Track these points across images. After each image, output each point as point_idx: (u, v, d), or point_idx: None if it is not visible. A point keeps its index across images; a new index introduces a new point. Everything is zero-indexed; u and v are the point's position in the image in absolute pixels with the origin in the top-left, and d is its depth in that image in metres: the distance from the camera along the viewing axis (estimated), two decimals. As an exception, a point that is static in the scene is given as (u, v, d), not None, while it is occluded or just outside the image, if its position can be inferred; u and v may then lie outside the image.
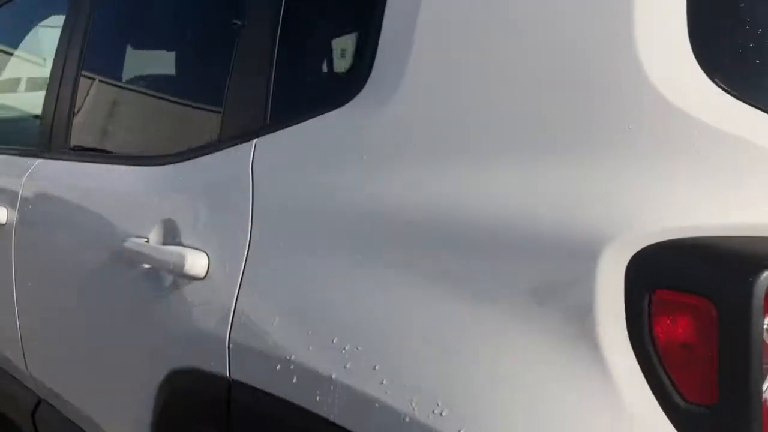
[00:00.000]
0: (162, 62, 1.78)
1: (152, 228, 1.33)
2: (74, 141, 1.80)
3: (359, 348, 0.93)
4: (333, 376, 0.94)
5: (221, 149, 1.25)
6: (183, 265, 1.18)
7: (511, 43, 0.91)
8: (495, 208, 0.85)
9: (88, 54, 1.79)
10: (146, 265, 1.32)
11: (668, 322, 0.72)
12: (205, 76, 1.49)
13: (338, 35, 1.33)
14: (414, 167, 0.97)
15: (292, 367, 1.00)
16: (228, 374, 1.12)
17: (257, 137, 1.18)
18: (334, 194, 1.06)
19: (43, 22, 2.47)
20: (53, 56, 1.95)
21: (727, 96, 0.76)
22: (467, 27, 0.96)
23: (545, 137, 0.85)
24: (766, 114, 0.74)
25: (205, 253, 1.19)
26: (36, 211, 1.83)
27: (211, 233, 1.21)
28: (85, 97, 1.81)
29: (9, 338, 1.96)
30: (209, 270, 1.18)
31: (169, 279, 1.26)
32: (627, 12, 0.80)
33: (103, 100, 1.90)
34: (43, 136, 1.88)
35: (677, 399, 0.71)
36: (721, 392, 0.69)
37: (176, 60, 1.72)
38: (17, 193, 1.87)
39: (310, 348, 0.98)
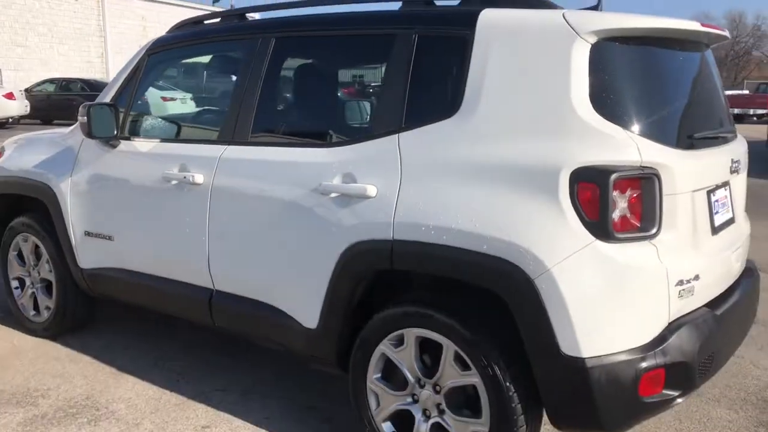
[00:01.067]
0: (327, 87, 3.11)
1: (335, 176, 2.66)
2: (254, 133, 3.05)
3: (465, 214, 2.32)
4: (452, 227, 2.33)
5: (378, 138, 2.62)
6: (365, 192, 2.55)
7: (528, 98, 2.33)
8: (517, 158, 2.28)
9: (267, 78, 3.03)
10: (335, 194, 2.65)
11: (583, 192, 2.17)
12: (364, 99, 2.88)
13: (443, 84, 2.69)
14: (480, 146, 2.37)
15: (431, 227, 2.39)
16: (392, 237, 2.48)
17: (399, 133, 2.57)
18: (440, 155, 2.45)
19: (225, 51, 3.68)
20: (238, 72, 3.14)
21: (600, 117, 2.23)
22: (505, 89, 2.38)
23: (539, 131, 2.28)
24: (612, 123, 2.22)
25: (375, 186, 2.55)
26: (230, 173, 3.04)
27: (377, 176, 2.56)
28: (264, 104, 3.07)
29: (196, 254, 3.17)
30: (378, 193, 2.54)
31: (353, 200, 2.60)
32: (568, 92, 2.25)
33: (276, 107, 3.19)
34: (230, 130, 3.11)
35: (586, 218, 2.17)
36: (599, 216, 2.15)
37: (339, 87, 3.08)
38: (213, 165, 3.11)
39: (440, 218, 2.37)
